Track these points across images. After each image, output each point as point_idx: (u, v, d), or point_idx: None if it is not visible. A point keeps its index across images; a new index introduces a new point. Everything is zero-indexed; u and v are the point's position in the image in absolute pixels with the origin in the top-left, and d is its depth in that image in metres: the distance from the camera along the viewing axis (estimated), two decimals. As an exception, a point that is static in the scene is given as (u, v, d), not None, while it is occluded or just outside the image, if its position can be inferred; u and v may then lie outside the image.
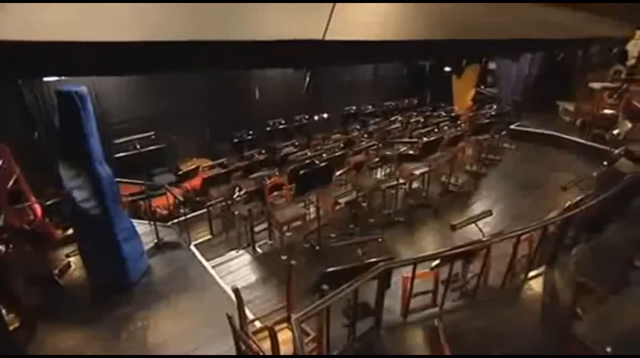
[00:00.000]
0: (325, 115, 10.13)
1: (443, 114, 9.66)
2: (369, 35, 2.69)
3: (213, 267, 4.55)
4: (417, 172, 5.75)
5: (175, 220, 5.43)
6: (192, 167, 6.02)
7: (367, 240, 3.14)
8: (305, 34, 2.22)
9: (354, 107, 10.63)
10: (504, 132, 8.19)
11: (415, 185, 6.40)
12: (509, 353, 2.79)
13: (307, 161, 5.61)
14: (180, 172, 5.99)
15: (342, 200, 5.22)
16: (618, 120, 7.46)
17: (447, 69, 11.54)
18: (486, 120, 7.33)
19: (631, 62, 9.30)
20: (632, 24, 10.00)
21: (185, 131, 7.99)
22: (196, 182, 6.22)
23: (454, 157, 6.26)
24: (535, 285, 3.65)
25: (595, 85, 8.57)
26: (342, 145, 6.97)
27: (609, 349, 1.33)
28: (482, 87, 11.58)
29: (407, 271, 3.05)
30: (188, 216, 5.40)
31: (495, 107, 9.44)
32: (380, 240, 3.88)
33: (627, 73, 8.60)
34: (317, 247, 4.78)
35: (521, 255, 3.64)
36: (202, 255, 4.78)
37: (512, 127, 9.06)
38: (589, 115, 8.32)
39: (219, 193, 5.39)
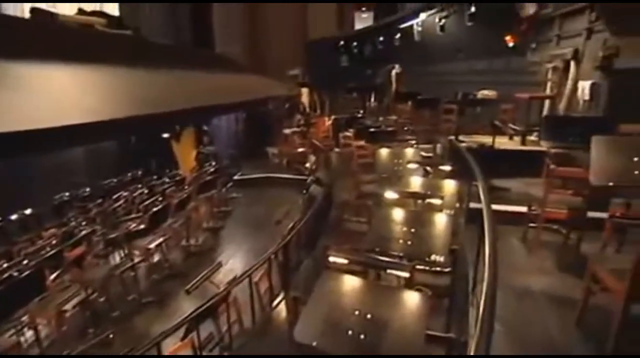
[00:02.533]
0: (27, 211, 8.31)
1: (167, 179, 9.68)
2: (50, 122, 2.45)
3: None
4: (153, 246, 5.49)
5: None
6: None
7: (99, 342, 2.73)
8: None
9: (67, 194, 9.22)
10: (229, 184, 8.96)
11: (156, 258, 6.07)
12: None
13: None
14: None
15: (69, 306, 4.37)
16: (308, 155, 9.46)
17: (165, 135, 11.71)
18: (209, 177, 7.83)
19: (307, 111, 12.18)
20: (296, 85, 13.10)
21: None
22: None
23: (188, 219, 6.35)
24: (283, 311, 4.10)
25: (287, 131, 10.69)
26: (54, 242, 5.87)
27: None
28: (202, 146, 12.35)
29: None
30: None
31: (214, 163, 10.21)
32: (111, 336, 3.45)
33: (305, 120, 11.14)
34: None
35: (264, 289, 4.03)
36: None
37: (235, 177, 10.02)
38: (289, 155, 10.21)
39: None
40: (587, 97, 6.04)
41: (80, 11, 6.83)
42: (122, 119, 2.97)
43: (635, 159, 2.81)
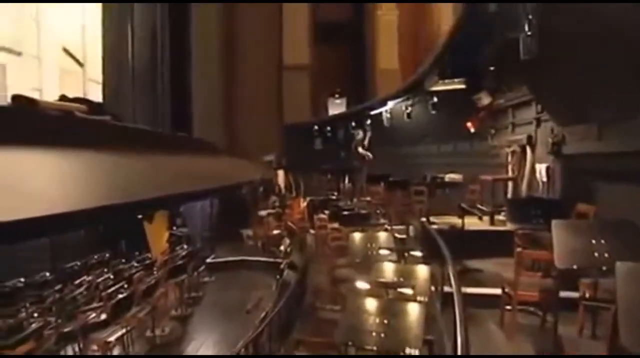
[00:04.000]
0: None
1: (136, 263, 9.25)
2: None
3: None
4: (113, 338, 5.08)
5: None
6: None
7: None
8: None
9: (22, 279, 8.57)
10: (201, 268, 8.63)
11: (116, 352, 5.56)
12: None
13: None
14: None
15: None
16: (283, 238, 9.38)
17: (139, 215, 11.45)
18: (180, 261, 7.55)
19: (282, 193, 12.38)
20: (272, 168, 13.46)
21: None
22: None
23: (155, 307, 5.98)
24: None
25: (263, 212, 10.70)
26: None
27: None
28: (175, 228, 12.06)
29: None
30: None
31: (187, 246, 9.92)
32: None
33: (280, 201, 11.24)
34: None
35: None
36: None
37: (208, 260, 9.69)
38: (264, 237, 10.08)
39: None
40: (544, 179, 6.44)
41: (63, 97, 7.05)
42: (90, 209, 2.93)
43: (594, 241, 2.94)
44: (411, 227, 6.87)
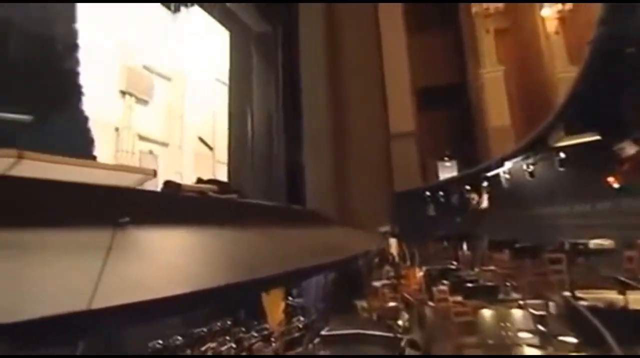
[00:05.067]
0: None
1: (255, 333, 9.52)
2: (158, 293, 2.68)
3: None
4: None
5: None
6: None
7: None
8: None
9: (161, 341, 9.42)
10: (317, 340, 8.48)
11: None
12: None
13: None
14: None
15: None
16: (400, 311, 8.81)
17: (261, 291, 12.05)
18: (297, 333, 7.54)
19: (396, 262, 11.93)
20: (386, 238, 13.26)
21: None
22: None
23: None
24: None
25: (377, 283, 10.33)
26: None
27: None
28: (290, 298, 12.31)
29: None
30: None
31: (302, 317, 9.95)
32: None
33: (394, 271, 10.79)
34: None
35: None
36: None
37: (323, 333, 9.52)
38: (380, 310, 9.60)
39: None
40: None
41: (199, 180, 8.15)
42: (220, 288, 3.14)
43: None
44: (551, 303, 5.86)
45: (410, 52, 18.80)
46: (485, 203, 12.26)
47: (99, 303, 2.14)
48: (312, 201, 14.24)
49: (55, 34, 11.06)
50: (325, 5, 17.16)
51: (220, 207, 6.89)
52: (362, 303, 10.79)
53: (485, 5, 18.47)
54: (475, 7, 18.78)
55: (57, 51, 11.27)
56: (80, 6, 10.95)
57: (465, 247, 11.35)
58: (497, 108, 17.87)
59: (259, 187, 13.84)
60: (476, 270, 9.15)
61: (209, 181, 8.04)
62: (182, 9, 14.82)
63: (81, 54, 10.82)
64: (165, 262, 3.30)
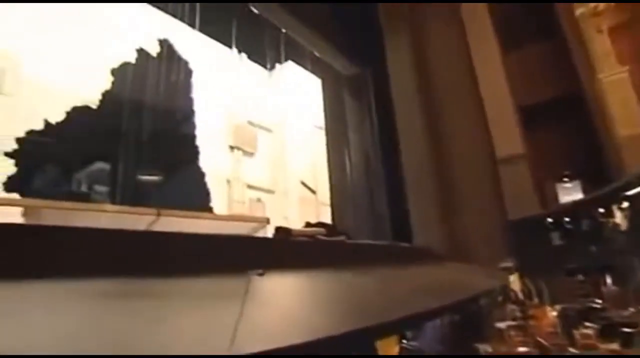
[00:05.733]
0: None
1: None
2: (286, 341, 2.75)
3: None
4: None
5: None
6: None
7: None
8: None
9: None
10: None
11: None
12: None
13: None
14: None
15: None
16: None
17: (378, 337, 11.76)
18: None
19: (521, 300, 10.66)
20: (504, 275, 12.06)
21: None
22: None
23: None
24: None
25: (501, 324, 9.29)
26: None
27: None
28: (405, 341, 11.71)
29: None
30: None
31: (422, 362, 9.34)
32: None
33: (521, 311, 9.62)
34: None
35: None
36: None
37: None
38: (507, 355, 8.57)
39: None
40: None
41: (308, 224, 8.44)
42: (338, 336, 3.10)
43: None
44: None
45: (507, 70, 17.63)
46: (625, 226, 10.44)
47: (235, 350, 2.25)
48: (419, 237, 13.69)
49: (175, 105, 12.91)
50: (412, 38, 17.22)
51: (330, 250, 6.99)
52: (485, 347, 9.75)
53: (593, 4, 16.64)
54: (580, 9, 17.03)
55: (177, 119, 13.11)
56: (195, 79, 12.72)
57: (609, 280, 9.68)
58: (624, 114, 15.53)
59: (364, 227, 13.87)
60: (631, 309, 7.68)
61: (317, 224, 8.25)
62: (277, 65, 16.19)
63: (197, 119, 12.45)
64: (284, 308, 3.39)
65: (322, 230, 8.00)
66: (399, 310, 4.33)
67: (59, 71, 10.12)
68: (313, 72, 16.84)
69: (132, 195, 11.45)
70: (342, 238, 7.75)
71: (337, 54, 16.40)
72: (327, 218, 14.73)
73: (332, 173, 15.69)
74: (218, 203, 11.95)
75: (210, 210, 12.11)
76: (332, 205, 15.30)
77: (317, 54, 16.23)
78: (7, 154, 9.58)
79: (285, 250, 6.47)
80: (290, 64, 15.98)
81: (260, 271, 2.31)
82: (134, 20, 11.83)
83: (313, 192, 15.20)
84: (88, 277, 3.41)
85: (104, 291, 3.32)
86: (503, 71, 17.48)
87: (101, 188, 11.45)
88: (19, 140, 9.78)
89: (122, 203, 11.10)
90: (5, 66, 9.52)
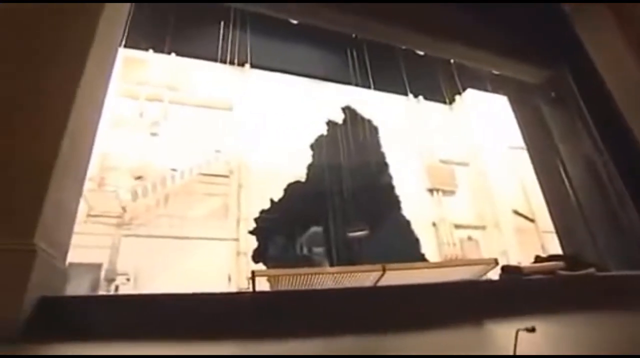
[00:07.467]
0: None
1: None
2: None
3: None
4: None
5: None
6: None
7: None
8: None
9: None
10: None
11: None
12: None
13: None
14: None
15: None
16: None
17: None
18: None
19: None
20: None
21: None
22: None
23: None
24: None
25: None
26: None
27: None
28: None
29: None
30: None
31: None
32: None
33: None
34: None
35: None
36: None
37: None
38: None
39: None
40: None
41: (538, 258, 7.28)
42: None
43: None
44: None
45: None
46: None
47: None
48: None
49: (368, 161, 13.72)
50: (614, 14, 14.10)
51: (579, 286, 5.76)
52: None
53: None
54: None
55: (373, 173, 13.81)
56: (381, 134, 13.39)
57: None
58: None
59: (609, 252, 11.09)
60: None
61: (551, 257, 7.02)
62: (456, 97, 15.65)
63: (391, 170, 12.86)
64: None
65: (560, 263, 6.68)
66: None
67: (275, 157, 12.34)
68: (495, 91, 15.53)
69: (345, 252, 12.41)
70: (591, 270, 6.28)
71: (517, 63, 14.70)
72: (554, 249, 12.45)
73: (548, 194, 13.41)
74: (427, 248, 11.68)
75: (423, 257, 11.94)
76: (558, 232, 12.87)
77: (494, 71, 14.98)
78: (250, 232, 11.94)
79: (518, 292, 5.63)
80: (469, 92, 15.23)
81: (529, 326, 1.99)
82: (321, 98, 13.62)
83: (531, 220, 13.22)
84: (331, 336, 3.67)
85: (348, 348, 3.49)
86: None
87: (318, 249, 12.85)
88: (255, 220, 12.11)
89: (338, 260, 12.12)
90: (240, 164, 12.28)
